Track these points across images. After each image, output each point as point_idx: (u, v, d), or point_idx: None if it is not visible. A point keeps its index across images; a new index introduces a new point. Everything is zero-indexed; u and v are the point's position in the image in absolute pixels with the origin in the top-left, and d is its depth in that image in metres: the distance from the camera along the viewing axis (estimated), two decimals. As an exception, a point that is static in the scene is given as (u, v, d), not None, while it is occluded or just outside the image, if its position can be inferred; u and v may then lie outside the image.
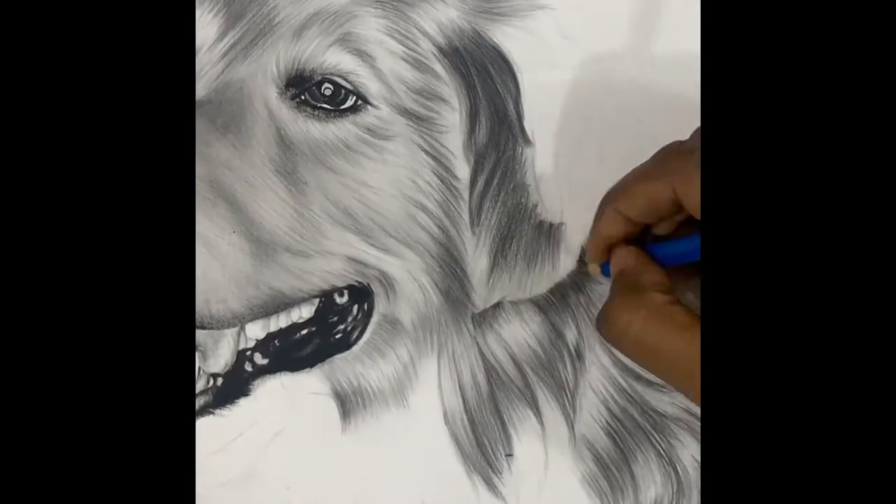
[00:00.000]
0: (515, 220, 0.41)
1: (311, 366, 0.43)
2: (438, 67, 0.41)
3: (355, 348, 0.43)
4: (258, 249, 0.40)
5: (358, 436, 0.43)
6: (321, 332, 0.43)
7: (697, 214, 0.33)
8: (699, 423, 0.42)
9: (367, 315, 0.43)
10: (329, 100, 0.40)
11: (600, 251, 0.38)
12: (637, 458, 0.42)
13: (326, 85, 0.40)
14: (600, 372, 0.42)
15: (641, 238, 0.37)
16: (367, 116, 0.40)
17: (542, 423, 0.42)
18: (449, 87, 0.41)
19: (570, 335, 0.42)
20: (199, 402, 0.43)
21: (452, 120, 0.41)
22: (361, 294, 0.42)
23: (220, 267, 0.40)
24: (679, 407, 0.42)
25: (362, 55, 0.40)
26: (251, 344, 0.43)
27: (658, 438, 0.42)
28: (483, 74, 0.41)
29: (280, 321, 0.43)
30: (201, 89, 0.41)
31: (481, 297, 0.42)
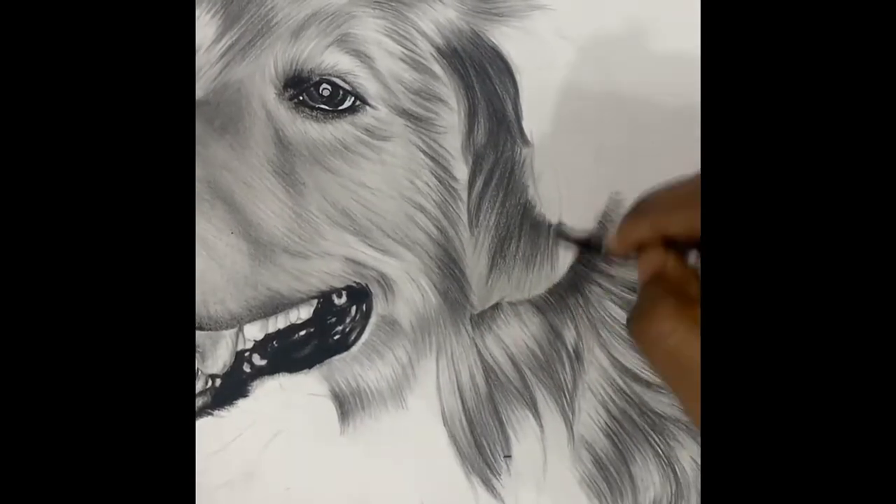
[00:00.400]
0: (514, 221, 0.41)
1: (310, 367, 0.43)
2: (437, 68, 0.41)
3: (354, 349, 0.43)
4: (256, 250, 0.40)
5: (356, 437, 0.43)
6: (319, 333, 0.43)
7: None
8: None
9: (366, 316, 0.42)
10: (327, 100, 0.40)
11: (629, 245, 0.35)
12: (636, 460, 0.42)
13: (324, 86, 0.40)
14: (599, 373, 0.42)
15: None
16: (366, 117, 0.40)
17: (540, 424, 0.42)
18: (447, 88, 0.41)
19: (569, 336, 0.42)
20: (198, 403, 0.43)
21: (451, 120, 0.41)
22: (360, 295, 0.42)
23: (218, 268, 0.40)
24: (678, 408, 0.42)
25: (360, 56, 0.40)
26: (249, 345, 0.43)
27: (657, 439, 0.42)
28: (481, 75, 0.41)
29: (278, 322, 0.43)
30: (199, 90, 0.41)
31: (480, 298, 0.42)
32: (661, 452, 0.42)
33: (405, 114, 0.41)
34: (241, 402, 0.43)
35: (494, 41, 0.41)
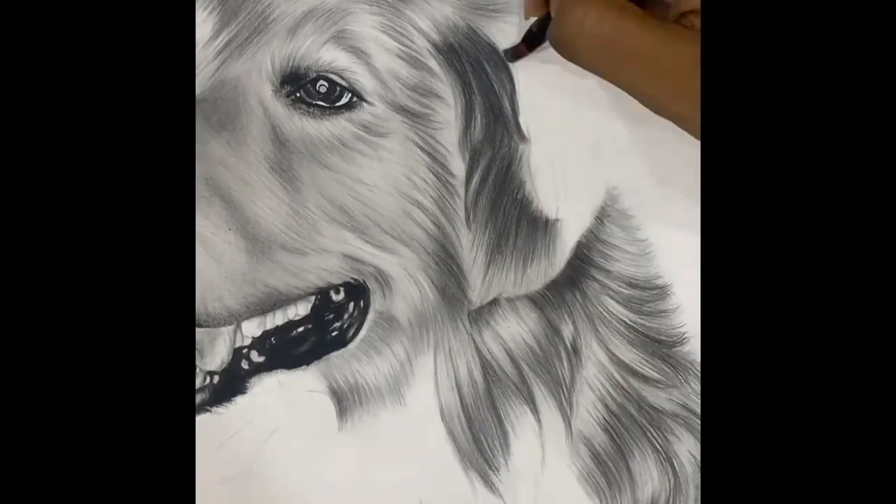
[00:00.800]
0: (511, 217, 0.41)
1: (308, 363, 0.43)
2: (433, 64, 0.41)
3: (351, 346, 0.43)
4: (254, 247, 0.40)
5: (354, 433, 0.43)
6: (317, 330, 0.43)
7: None
8: (696, 419, 0.42)
9: (364, 312, 0.43)
10: (324, 97, 0.40)
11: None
12: (634, 455, 0.42)
13: (321, 82, 0.40)
14: (597, 368, 0.42)
15: None
16: (363, 113, 0.40)
17: (538, 419, 0.42)
18: (444, 84, 0.41)
19: (567, 331, 0.42)
20: (196, 399, 0.43)
21: (447, 116, 0.41)
22: (357, 291, 0.42)
23: (216, 265, 0.40)
24: (676, 403, 0.42)
25: (357, 52, 0.40)
26: (247, 342, 0.43)
27: (655, 434, 0.42)
28: (478, 71, 0.41)
29: (276, 319, 0.43)
30: (196, 87, 0.41)
31: (477, 294, 0.42)
32: (659, 447, 0.42)
33: (402, 110, 0.41)
34: (239, 399, 0.43)
35: (491, 37, 0.41)
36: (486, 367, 0.42)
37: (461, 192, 0.41)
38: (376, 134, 0.41)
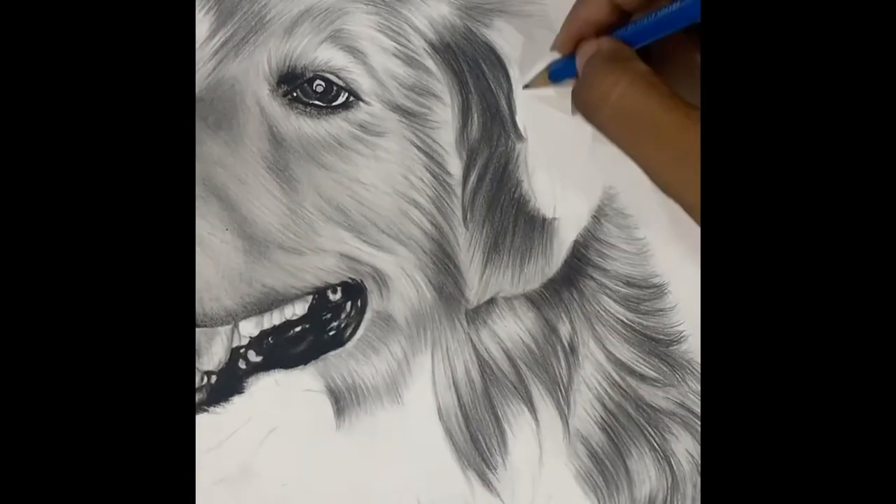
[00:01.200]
0: (508, 216, 0.41)
1: (305, 363, 0.43)
2: (430, 63, 0.41)
3: (349, 345, 0.43)
4: (251, 247, 0.40)
5: (352, 432, 0.43)
6: (315, 329, 0.43)
7: None
8: (693, 418, 0.42)
9: (361, 312, 0.43)
10: (321, 96, 0.40)
11: (571, 39, 0.37)
12: (631, 453, 0.42)
13: (318, 82, 0.40)
14: (594, 367, 0.42)
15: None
16: (359, 113, 0.40)
17: (536, 418, 0.42)
18: (441, 83, 0.41)
19: (564, 330, 0.42)
20: (194, 399, 0.43)
21: (444, 116, 0.41)
22: (355, 291, 0.42)
23: (213, 265, 0.40)
24: (673, 401, 0.42)
25: (354, 52, 0.40)
26: (245, 341, 0.43)
27: (652, 433, 0.42)
28: (475, 70, 0.41)
29: (273, 318, 0.43)
30: (193, 87, 0.41)
31: (475, 293, 0.42)
32: (656, 446, 0.42)
33: (399, 109, 0.41)
34: (236, 399, 0.43)
35: (487, 36, 0.41)
36: (484, 366, 0.42)
37: (458, 191, 0.41)
38: (373, 133, 0.41)
